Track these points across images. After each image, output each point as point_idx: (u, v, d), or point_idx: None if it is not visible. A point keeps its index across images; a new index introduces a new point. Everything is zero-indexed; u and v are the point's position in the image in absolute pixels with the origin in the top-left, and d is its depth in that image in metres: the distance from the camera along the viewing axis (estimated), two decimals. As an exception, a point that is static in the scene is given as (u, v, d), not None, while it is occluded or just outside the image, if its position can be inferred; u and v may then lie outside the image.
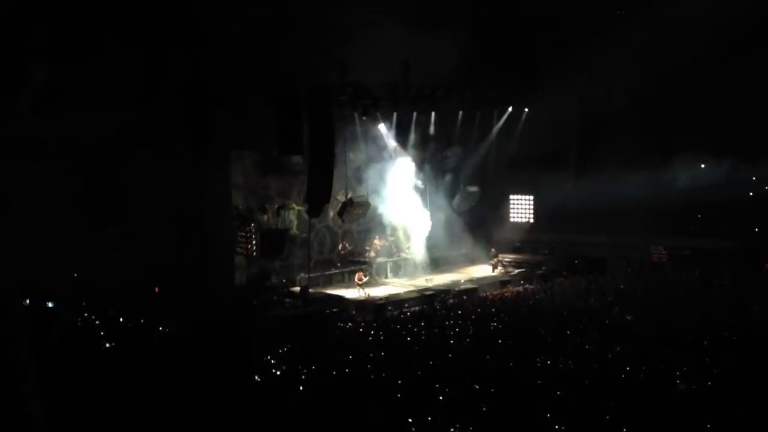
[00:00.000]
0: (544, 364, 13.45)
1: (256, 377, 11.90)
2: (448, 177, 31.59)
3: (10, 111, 17.66)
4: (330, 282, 26.99)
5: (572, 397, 11.07)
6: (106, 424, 8.69)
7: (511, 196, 34.08)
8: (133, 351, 13.43)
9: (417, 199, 30.01)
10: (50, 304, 17.69)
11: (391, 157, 28.86)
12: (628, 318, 18.23)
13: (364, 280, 26.25)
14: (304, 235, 26.97)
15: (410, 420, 9.68)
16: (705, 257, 26.65)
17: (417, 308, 22.80)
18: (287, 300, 23.44)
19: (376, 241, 29.09)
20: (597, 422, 9.72)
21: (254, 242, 24.40)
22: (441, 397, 11.27)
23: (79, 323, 16.52)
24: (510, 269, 29.58)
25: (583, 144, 30.56)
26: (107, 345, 13.85)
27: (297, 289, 24.45)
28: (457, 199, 31.04)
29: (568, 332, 16.70)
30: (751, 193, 26.97)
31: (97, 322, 16.40)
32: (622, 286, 23.11)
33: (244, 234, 24.46)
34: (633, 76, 25.92)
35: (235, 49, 21.89)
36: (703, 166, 28.21)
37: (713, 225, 27.55)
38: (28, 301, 16.89)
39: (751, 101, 26.41)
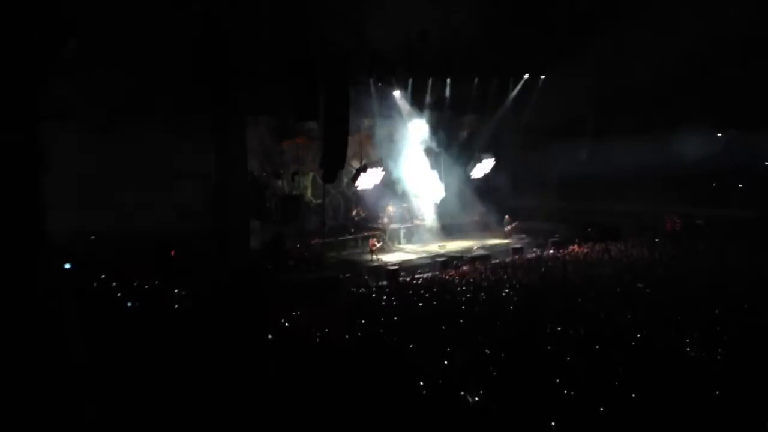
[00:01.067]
0: (555, 331, 13.58)
1: (270, 336, 12.12)
2: (462, 144, 31.55)
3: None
4: (344, 247, 27.20)
5: (582, 363, 11.21)
6: (121, 383, 8.91)
7: (526, 164, 33.97)
8: (149, 312, 13.70)
9: (431, 166, 30.04)
10: (68, 266, 17.98)
11: (405, 124, 28.85)
12: (640, 286, 18.28)
13: (378, 246, 26.42)
14: (319, 200, 27.12)
15: (421, 383, 9.85)
16: (720, 226, 26.59)
17: (430, 274, 22.95)
18: (301, 265, 23.66)
19: (390, 208, 29.20)
20: (606, 388, 9.85)
21: (270, 207, 24.59)
22: (452, 362, 11.45)
23: (95, 285, 16.82)
24: (523, 236, 29.64)
25: (600, 113, 30.31)
26: (127, 305, 14.13)
27: (311, 254, 24.67)
28: (471, 166, 31.03)
29: (579, 300, 16.80)
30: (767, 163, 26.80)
31: (113, 284, 16.69)
32: (634, 254, 23.11)
33: (259, 199, 24.65)
34: (654, 49, 25.56)
35: (253, 13, 21.84)
36: (719, 134, 28.05)
37: (729, 195, 27.41)
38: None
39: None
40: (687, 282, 18.49)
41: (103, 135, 21.03)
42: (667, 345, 12.48)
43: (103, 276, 17.32)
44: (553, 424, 8.15)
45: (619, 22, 25.71)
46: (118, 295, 15.40)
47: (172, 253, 21.76)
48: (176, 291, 16.57)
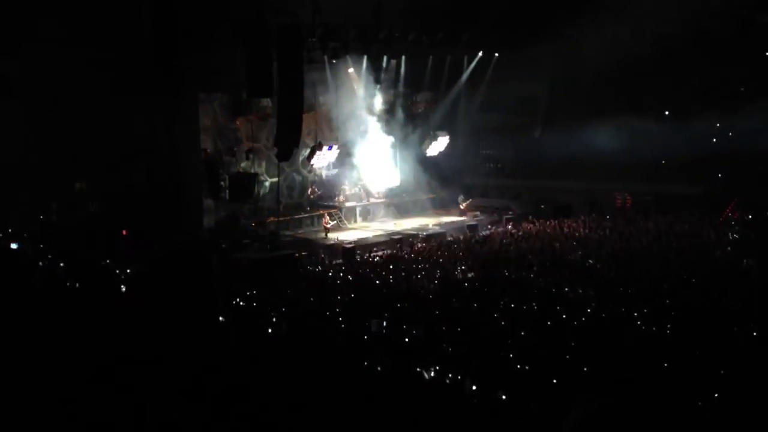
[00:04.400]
0: (508, 307, 13.75)
1: (221, 318, 11.98)
2: (417, 122, 31.55)
3: None
4: (299, 226, 27.07)
5: (535, 338, 11.38)
6: (65, 365, 8.71)
7: (480, 142, 34.18)
8: (97, 290, 13.42)
9: (386, 144, 29.99)
10: (14, 246, 17.58)
11: (360, 102, 28.70)
12: (590, 261, 18.61)
13: (331, 224, 26.38)
14: (274, 178, 26.90)
15: (377, 359, 9.88)
16: (668, 202, 27.18)
17: (386, 252, 23.00)
18: (256, 243, 23.48)
19: (346, 186, 29.12)
20: (558, 362, 10.02)
21: (223, 185, 24.29)
22: (407, 339, 11.52)
23: (42, 264, 16.44)
24: (477, 214, 29.87)
25: (553, 93, 30.57)
26: (69, 284, 13.80)
27: (266, 232, 24.48)
28: (426, 144, 31.06)
29: (532, 276, 17.04)
30: (714, 140, 27.43)
31: (61, 264, 16.33)
32: (586, 231, 23.49)
33: (212, 177, 24.31)
34: (608, 34, 25.87)
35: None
36: (666, 113, 28.70)
37: (676, 172, 28.01)
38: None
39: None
40: (636, 258, 18.88)
41: (50, 113, 20.51)
42: (617, 319, 12.75)
43: (49, 256, 16.92)
44: (504, 397, 8.25)
45: (575, 4, 25.89)
46: (63, 274, 15.06)
47: (124, 232, 21.41)
48: (127, 270, 16.31)
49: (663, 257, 18.74)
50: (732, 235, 21.99)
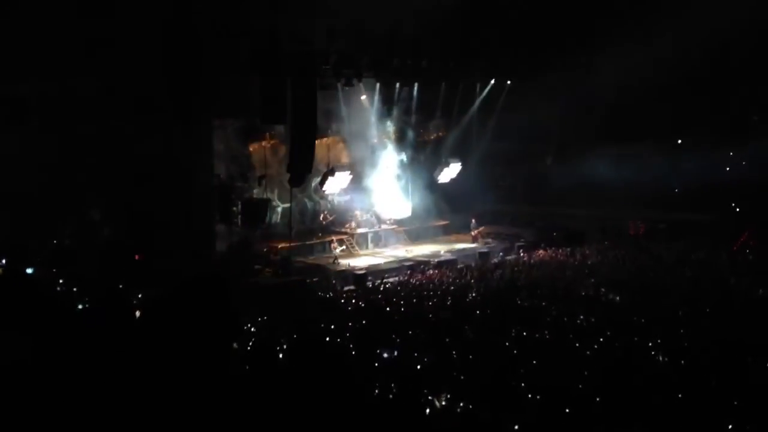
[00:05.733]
0: (520, 335, 13.65)
1: (234, 345, 11.96)
2: (429, 149, 31.65)
3: None
4: (311, 252, 27.07)
5: (547, 367, 11.27)
6: (77, 388, 8.68)
7: (492, 169, 34.22)
8: (110, 315, 13.42)
9: (399, 170, 30.07)
10: (29, 271, 17.64)
11: (373, 129, 28.85)
12: (603, 290, 18.49)
13: (339, 249, 26.37)
14: (286, 204, 26.98)
15: (388, 387, 9.82)
16: (681, 230, 27.04)
17: (397, 279, 22.95)
18: (268, 269, 23.50)
19: (357, 212, 29.16)
20: (571, 392, 9.91)
21: (236, 211, 24.39)
22: (419, 366, 11.45)
23: (57, 289, 16.48)
24: (489, 241, 29.79)
25: (565, 120, 30.62)
26: (80, 307, 13.81)
27: (278, 258, 24.51)
28: (438, 171, 31.12)
29: (544, 304, 16.93)
30: (728, 169, 27.40)
31: (74, 289, 16.37)
32: (598, 259, 23.37)
33: (225, 203, 24.42)
34: (621, 62, 25.98)
35: (220, 13, 21.70)
36: (680, 141, 28.72)
37: (690, 200, 27.92)
38: (4, 262, 16.92)
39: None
40: (650, 286, 18.74)
41: (65, 139, 20.71)
42: (631, 349, 12.63)
43: (61, 281, 16.97)
44: (516, 427, 8.16)
45: (587, 34, 26.04)
46: (76, 299, 15.09)
47: (137, 257, 21.49)
48: (140, 295, 16.31)
49: (677, 286, 18.60)
50: (747, 263, 21.81)
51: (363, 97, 28.06)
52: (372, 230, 29.18)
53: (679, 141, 28.86)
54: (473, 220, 30.52)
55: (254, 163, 26.28)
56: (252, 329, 14.44)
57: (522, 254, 26.14)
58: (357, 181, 28.73)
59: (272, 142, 26.40)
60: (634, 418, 8.52)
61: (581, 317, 15.24)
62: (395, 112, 29.35)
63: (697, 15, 23.19)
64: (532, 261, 24.00)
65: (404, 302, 17.89)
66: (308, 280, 22.04)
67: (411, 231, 30.19)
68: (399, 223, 30.10)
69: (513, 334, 13.72)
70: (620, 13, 26.22)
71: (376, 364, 11.56)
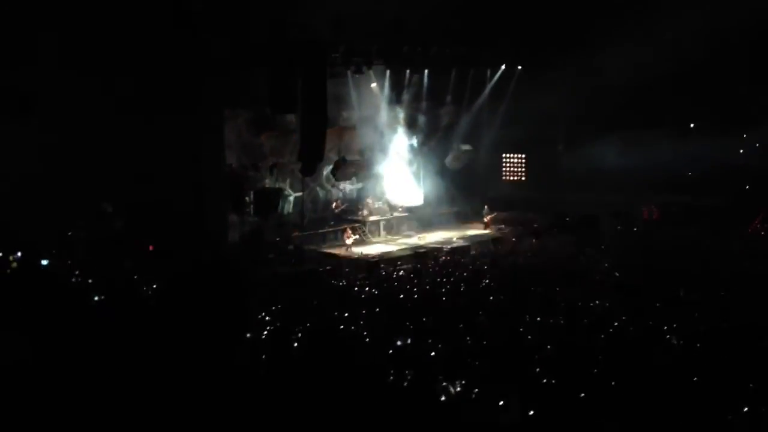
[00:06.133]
0: (534, 321, 13.64)
1: (248, 334, 12.01)
2: (441, 135, 31.57)
3: None
4: (324, 240, 27.12)
5: (562, 352, 11.26)
6: (92, 380, 8.77)
7: (504, 155, 34.16)
8: (125, 306, 13.52)
9: (410, 157, 30.03)
10: (44, 262, 17.77)
11: (383, 116, 28.80)
12: (617, 274, 18.43)
13: (353, 238, 26.40)
14: (298, 193, 27.02)
15: (402, 374, 9.84)
16: (695, 214, 26.91)
17: (410, 266, 22.97)
18: (280, 258, 23.57)
19: (369, 200, 29.17)
20: (586, 377, 9.90)
21: (248, 201, 24.44)
22: (432, 353, 11.46)
23: (72, 281, 16.60)
24: (502, 227, 29.74)
25: (576, 106, 30.42)
26: (96, 299, 13.90)
27: (291, 247, 24.57)
28: (450, 158, 31.07)
29: (558, 289, 16.90)
30: (741, 151, 27.23)
31: (89, 280, 16.48)
32: (611, 243, 23.29)
33: (237, 192, 24.49)
34: (631, 49, 25.75)
35: (228, 4, 21.70)
36: (692, 125, 28.56)
37: (703, 184, 27.76)
38: (19, 254, 17.06)
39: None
40: (664, 270, 18.66)
41: (77, 130, 20.80)
42: (645, 333, 12.59)
43: (77, 272, 17.08)
44: (531, 413, 8.17)
45: (598, 21, 25.84)
46: (91, 291, 15.19)
47: (150, 248, 21.60)
48: (154, 286, 16.41)
49: (691, 269, 18.52)
50: (761, 246, 21.69)
51: (373, 85, 28.00)
52: (384, 218, 29.20)
53: (692, 125, 28.65)
54: (486, 207, 30.46)
55: (266, 153, 26.32)
56: (267, 318, 14.50)
57: (535, 240, 26.07)
58: (368, 169, 28.72)
59: (283, 131, 26.41)
60: (649, 403, 8.51)
61: (596, 302, 15.20)
62: (405, 98, 29.28)
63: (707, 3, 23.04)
64: (545, 246, 23.92)
65: (417, 289, 17.90)
66: (321, 269, 22.10)
67: (423, 218, 30.17)
68: (411, 210, 30.09)
69: (527, 320, 13.71)
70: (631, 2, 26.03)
71: (390, 352, 11.59)
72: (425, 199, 30.55)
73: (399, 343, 12.03)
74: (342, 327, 13.66)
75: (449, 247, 25.61)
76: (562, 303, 15.28)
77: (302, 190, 26.79)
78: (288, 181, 27.17)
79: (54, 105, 20.48)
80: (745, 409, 8.22)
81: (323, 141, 23.56)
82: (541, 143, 31.79)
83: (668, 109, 28.32)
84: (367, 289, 18.56)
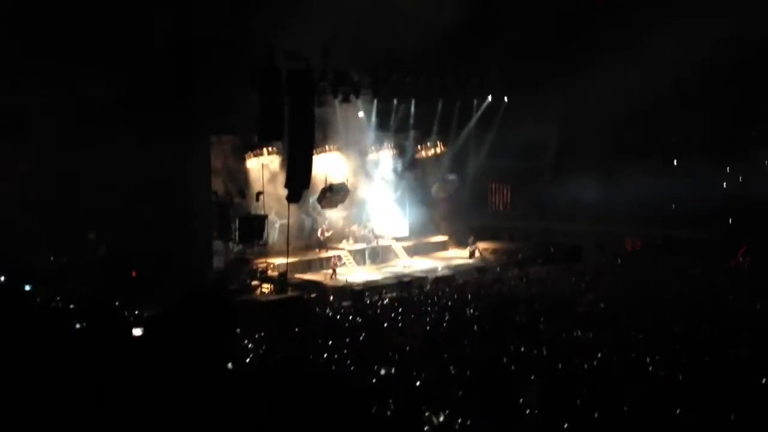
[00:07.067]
0: (518, 351, 13.64)
1: (229, 365, 11.91)
2: (427, 165, 31.73)
3: None
4: (309, 268, 27.04)
5: (545, 382, 11.25)
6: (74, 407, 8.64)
7: (490, 184, 34.40)
8: (107, 332, 13.37)
9: (396, 186, 30.13)
10: (27, 288, 17.60)
11: (370, 144, 28.94)
12: (601, 306, 18.49)
13: (339, 265, 26.35)
14: (284, 220, 26.99)
15: (387, 403, 9.80)
16: (677, 247, 27.11)
17: (394, 294, 22.94)
18: (265, 285, 23.46)
19: (355, 228, 29.18)
20: (569, 407, 9.90)
21: (233, 227, 24.37)
22: (417, 382, 11.42)
23: (53, 305, 16.43)
24: (487, 256, 29.81)
25: (563, 137, 30.77)
26: (77, 326, 13.76)
27: (275, 274, 24.48)
28: (435, 187, 31.20)
29: (542, 319, 16.92)
30: (724, 184, 27.54)
31: (71, 306, 16.31)
32: (595, 274, 23.39)
33: (222, 219, 24.42)
34: (618, 79, 26.13)
35: (217, 30, 21.82)
36: (675, 162, 28.96)
37: (686, 217, 28.00)
38: (2, 278, 16.88)
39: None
40: (647, 302, 18.75)
41: (63, 154, 20.74)
42: (628, 364, 12.62)
43: (58, 297, 16.93)
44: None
45: (582, 52, 26.24)
46: (73, 317, 15.03)
47: (134, 274, 21.45)
48: (136, 312, 16.28)
49: (675, 301, 18.61)
50: (744, 279, 21.85)
51: (360, 114, 28.17)
52: (369, 246, 29.19)
53: (674, 160, 29.06)
54: (471, 237, 30.56)
55: (252, 180, 26.32)
56: (249, 345, 14.41)
57: (519, 270, 26.14)
58: (354, 197, 28.77)
59: (270, 158, 26.45)
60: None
61: (579, 333, 15.23)
62: (392, 128, 29.44)
63: (691, 33, 23.38)
64: (529, 277, 23.99)
65: (402, 318, 17.87)
66: (306, 296, 22.01)
67: (408, 246, 30.20)
68: (396, 238, 30.13)
69: (511, 350, 13.70)
70: (616, 32, 26.38)
71: (374, 381, 11.55)
72: (411, 228, 30.61)
73: (383, 372, 11.99)
74: (326, 355, 13.60)
75: (434, 276, 25.61)
76: (546, 334, 15.30)
77: (288, 217, 26.76)
78: (274, 208, 27.14)
79: (37, 130, 20.43)
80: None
81: (310, 168, 23.59)
82: (527, 173, 32.03)
83: (653, 141, 28.67)
84: (351, 317, 18.52)
